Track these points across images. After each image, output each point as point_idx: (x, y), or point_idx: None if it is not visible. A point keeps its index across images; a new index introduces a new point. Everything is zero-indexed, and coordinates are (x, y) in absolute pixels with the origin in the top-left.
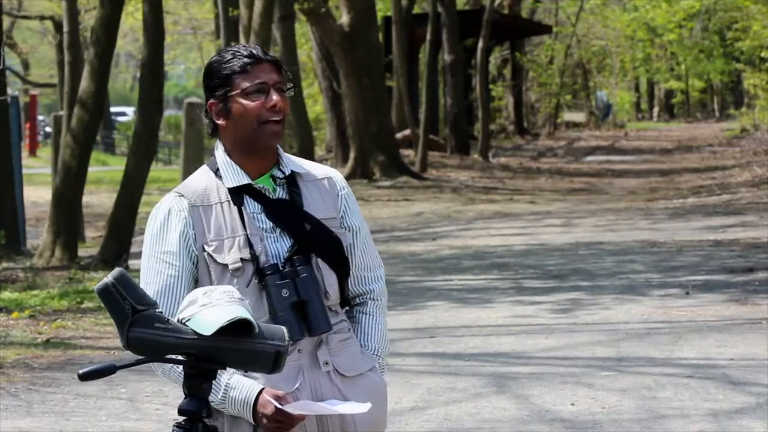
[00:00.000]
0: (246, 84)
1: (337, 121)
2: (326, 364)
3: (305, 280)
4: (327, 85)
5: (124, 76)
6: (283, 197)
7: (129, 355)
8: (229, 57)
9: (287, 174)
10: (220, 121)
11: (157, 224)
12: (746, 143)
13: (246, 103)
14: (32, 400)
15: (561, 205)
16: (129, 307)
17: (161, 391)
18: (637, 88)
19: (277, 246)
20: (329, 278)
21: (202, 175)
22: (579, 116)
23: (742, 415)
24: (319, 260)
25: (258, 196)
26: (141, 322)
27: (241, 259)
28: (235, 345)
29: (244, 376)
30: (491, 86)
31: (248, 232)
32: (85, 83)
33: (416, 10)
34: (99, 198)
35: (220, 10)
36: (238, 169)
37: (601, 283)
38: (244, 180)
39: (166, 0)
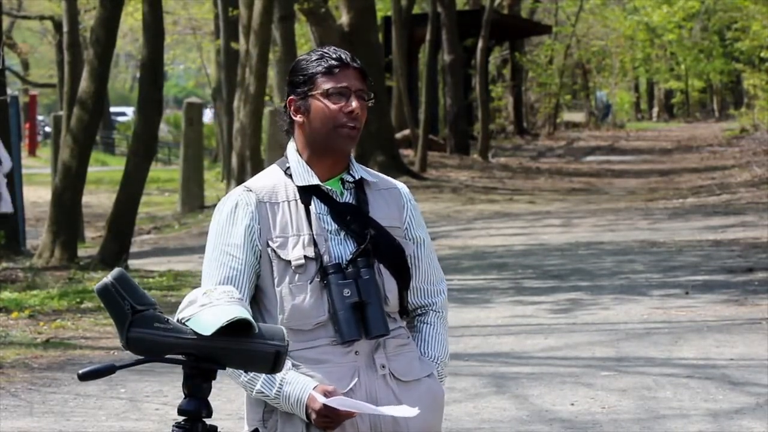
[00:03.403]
0: (328, 85)
1: None
2: (383, 367)
3: (367, 282)
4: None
5: (124, 76)
6: (350, 201)
7: (128, 355)
8: (317, 57)
9: (356, 179)
10: (297, 118)
11: (224, 217)
12: (746, 143)
13: (326, 104)
14: (32, 400)
15: (560, 205)
16: (129, 307)
17: (161, 391)
18: (636, 88)
19: (340, 248)
20: (389, 284)
21: (272, 172)
22: (578, 116)
23: (742, 415)
24: (381, 266)
25: (325, 197)
26: (141, 322)
27: (305, 257)
28: (235, 345)
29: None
30: (491, 86)
31: (314, 231)
32: (84, 83)
33: (416, 10)
34: (98, 198)
35: (220, 11)
36: (309, 169)
37: (600, 283)
38: (314, 180)
39: (165, 0)
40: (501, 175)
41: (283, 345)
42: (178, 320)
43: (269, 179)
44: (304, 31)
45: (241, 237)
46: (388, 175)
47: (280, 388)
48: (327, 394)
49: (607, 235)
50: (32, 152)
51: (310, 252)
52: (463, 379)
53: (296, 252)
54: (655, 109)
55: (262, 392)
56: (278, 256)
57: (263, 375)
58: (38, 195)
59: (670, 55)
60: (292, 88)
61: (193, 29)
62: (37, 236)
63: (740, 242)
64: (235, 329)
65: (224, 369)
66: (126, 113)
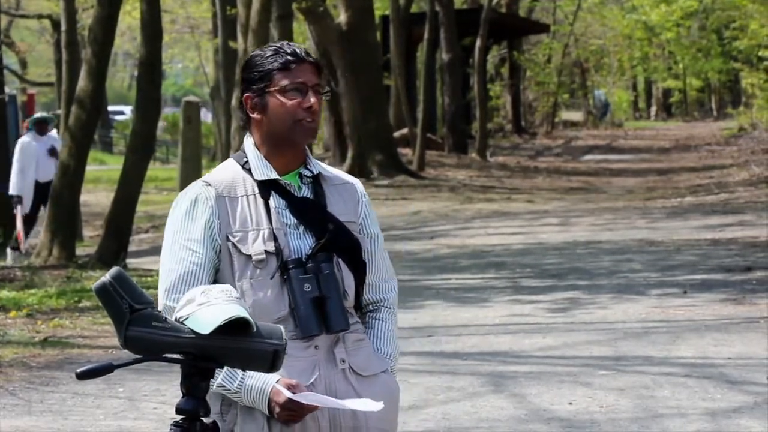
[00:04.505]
0: (285, 82)
1: (335, 120)
2: (342, 361)
3: (328, 277)
4: (325, 84)
5: (122, 74)
6: (308, 196)
7: (127, 354)
8: (271, 53)
9: (314, 174)
10: (254, 115)
11: (183, 211)
12: (744, 142)
13: (283, 101)
14: (30, 399)
15: (559, 204)
16: (127, 306)
17: (159, 390)
18: (634, 87)
19: (299, 242)
20: (348, 279)
21: (229, 167)
22: (577, 115)
23: (740, 414)
24: (340, 260)
25: (283, 192)
26: (139, 321)
27: (266, 252)
28: (233, 344)
29: None
30: (489, 85)
31: (273, 226)
32: (82, 82)
33: (414, 9)
34: (97, 197)
35: (218, 9)
36: (267, 163)
37: (598, 282)
38: (273, 174)
39: None
40: (499, 174)
41: (281, 344)
42: (176, 319)
43: (227, 174)
44: (302, 30)
45: (200, 232)
46: (387, 174)
47: (242, 382)
48: (290, 388)
49: (605, 234)
50: None
51: (271, 246)
52: (461, 378)
53: (257, 247)
54: (654, 108)
55: (223, 385)
56: (238, 251)
57: (225, 368)
58: None
59: (668, 54)
60: (248, 85)
61: (192, 28)
62: (35, 235)
63: (738, 241)
64: (233, 328)
65: (222, 368)
66: (124, 112)
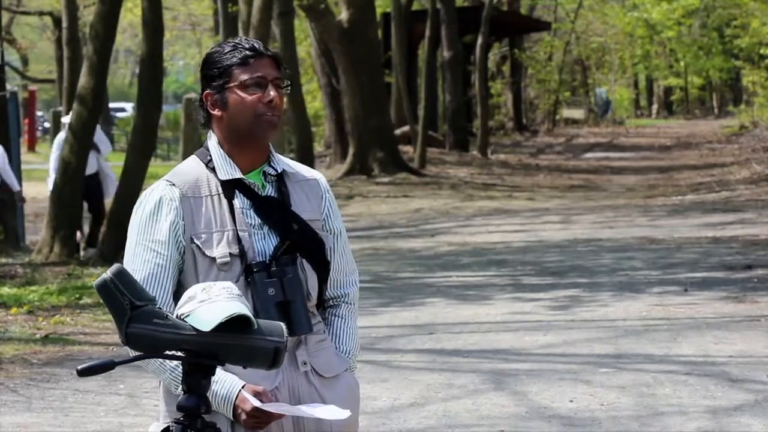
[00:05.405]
0: (245, 76)
1: (336, 118)
2: (304, 364)
3: (291, 281)
4: (326, 82)
5: (123, 71)
6: (272, 195)
7: (128, 351)
8: (230, 49)
9: (279, 172)
10: (215, 112)
11: (147, 211)
12: (745, 140)
13: (243, 96)
14: (31, 396)
15: (559, 201)
16: (128, 303)
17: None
18: (636, 85)
19: (263, 243)
20: (311, 280)
21: (193, 165)
22: (578, 113)
23: (741, 412)
24: (304, 261)
25: (247, 191)
26: (140, 317)
27: (230, 254)
28: (234, 341)
29: (226, 370)
30: (490, 83)
31: (237, 227)
32: (84, 79)
33: (415, 6)
34: None
35: (220, 6)
36: (231, 162)
37: (599, 280)
38: (237, 174)
39: None
40: (500, 172)
41: (282, 341)
42: (177, 316)
43: (191, 172)
44: (303, 27)
45: (165, 233)
46: (388, 172)
47: None
48: (257, 395)
49: (605, 232)
50: (31, 148)
51: (235, 249)
52: (462, 376)
53: (221, 249)
54: (655, 106)
55: None
56: (203, 253)
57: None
58: (37, 191)
59: (670, 52)
60: (207, 82)
61: (193, 25)
62: (37, 232)
63: (739, 239)
64: (235, 325)
65: (223, 365)
66: (125, 109)
